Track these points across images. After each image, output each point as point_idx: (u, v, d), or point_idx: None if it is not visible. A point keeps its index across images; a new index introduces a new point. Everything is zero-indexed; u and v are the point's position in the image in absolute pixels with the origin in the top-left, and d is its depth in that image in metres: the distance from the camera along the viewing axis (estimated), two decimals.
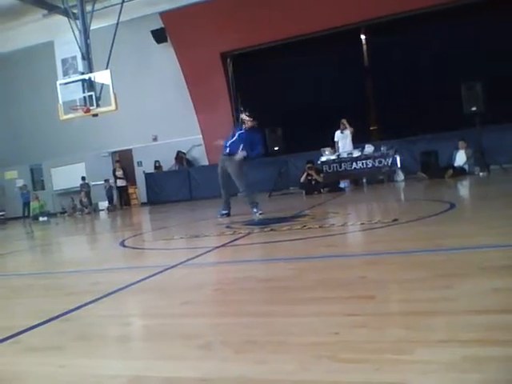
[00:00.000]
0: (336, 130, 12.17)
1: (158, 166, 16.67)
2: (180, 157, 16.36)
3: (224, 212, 6.94)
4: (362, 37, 15.05)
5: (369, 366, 1.32)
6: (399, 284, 2.18)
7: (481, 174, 10.06)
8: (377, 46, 14.72)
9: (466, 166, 10.58)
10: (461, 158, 10.72)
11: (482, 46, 12.72)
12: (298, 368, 1.37)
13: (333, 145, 12.19)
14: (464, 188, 8.42)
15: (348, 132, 11.98)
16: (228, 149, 6.85)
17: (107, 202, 16.97)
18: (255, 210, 6.67)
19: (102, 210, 17.10)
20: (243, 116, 7.03)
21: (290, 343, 1.57)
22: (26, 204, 17.73)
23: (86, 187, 17.06)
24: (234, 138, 6.88)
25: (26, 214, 17.53)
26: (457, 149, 10.86)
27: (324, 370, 1.34)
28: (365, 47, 15.11)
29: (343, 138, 12.10)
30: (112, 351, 1.75)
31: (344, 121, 11.97)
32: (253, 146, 6.83)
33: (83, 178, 17.32)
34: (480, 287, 1.95)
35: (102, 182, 16.99)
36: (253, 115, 6.95)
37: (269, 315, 1.93)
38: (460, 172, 10.46)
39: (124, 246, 5.04)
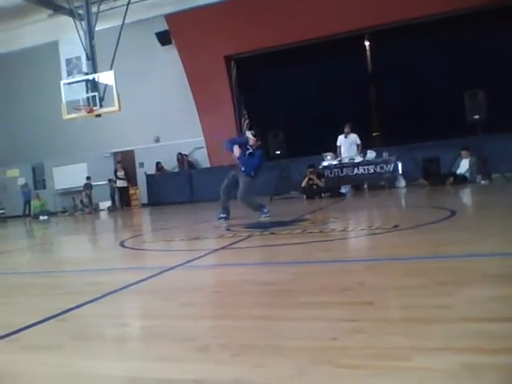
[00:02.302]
0: (339, 135, 12.16)
1: (160, 168, 16.67)
2: (181, 159, 16.38)
3: (222, 216, 6.93)
4: (366, 43, 15.09)
5: (366, 372, 1.32)
6: (398, 290, 2.18)
7: (482, 182, 10.05)
8: (380, 53, 14.75)
9: (468, 174, 10.57)
10: (463, 166, 10.72)
11: (485, 54, 12.75)
12: (295, 373, 1.36)
13: (335, 149, 12.20)
14: (465, 196, 8.42)
15: (355, 136, 11.96)
16: (243, 168, 6.86)
17: (110, 202, 16.98)
18: (265, 211, 6.69)
19: (103, 210, 17.11)
20: (248, 135, 6.96)
21: (287, 347, 1.57)
22: (27, 202, 17.76)
23: (89, 187, 17.07)
24: (245, 158, 6.85)
25: (27, 212, 17.55)
26: (460, 157, 10.84)
27: (321, 375, 1.34)
28: (368, 53, 15.15)
29: (346, 143, 12.10)
30: (110, 352, 1.74)
31: (349, 125, 11.99)
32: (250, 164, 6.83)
33: (88, 178, 17.28)
34: (479, 295, 1.95)
35: (104, 183, 17.02)
36: (257, 134, 6.90)
37: (267, 319, 1.93)
38: (461, 180, 10.45)
39: (123, 247, 5.04)
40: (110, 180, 16.93)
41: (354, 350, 1.48)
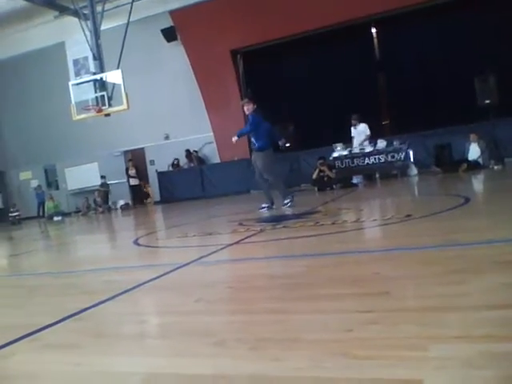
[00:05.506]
0: (352, 126, 12.04)
1: (177, 164, 16.61)
2: (190, 155, 16.39)
3: (265, 205, 6.91)
4: (373, 30, 14.93)
5: (383, 363, 1.32)
6: (413, 280, 2.17)
7: (495, 167, 9.95)
8: (388, 40, 14.60)
9: (481, 160, 10.46)
10: (474, 151, 10.60)
11: (494, 37, 12.54)
12: (312, 365, 1.37)
13: (345, 140, 12.10)
14: (478, 182, 8.33)
15: (364, 126, 11.81)
16: (256, 144, 6.90)
17: (123, 201, 17.04)
18: (286, 201, 6.69)
19: (116, 208, 17.23)
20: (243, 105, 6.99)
21: (303, 340, 1.58)
22: (41, 204, 17.95)
23: (105, 186, 17.17)
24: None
25: (41, 213, 17.75)
26: (469, 142, 10.73)
27: (338, 366, 1.34)
28: (376, 41, 15.00)
29: (356, 134, 11.99)
30: (127, 349, 1.77)
31: (355, 116, 11.87)
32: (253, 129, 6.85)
33: (103, 177, 17.39)
34: (494, 282, 1.93)
35: (116, 181, 17.15)
36: (246, 98, 6.88)
37: (282, 312, 1.94)
38: (474, 166, 10.34)
39: (138, 245, 5.08)
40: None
41: (369, 341, 1.48)
